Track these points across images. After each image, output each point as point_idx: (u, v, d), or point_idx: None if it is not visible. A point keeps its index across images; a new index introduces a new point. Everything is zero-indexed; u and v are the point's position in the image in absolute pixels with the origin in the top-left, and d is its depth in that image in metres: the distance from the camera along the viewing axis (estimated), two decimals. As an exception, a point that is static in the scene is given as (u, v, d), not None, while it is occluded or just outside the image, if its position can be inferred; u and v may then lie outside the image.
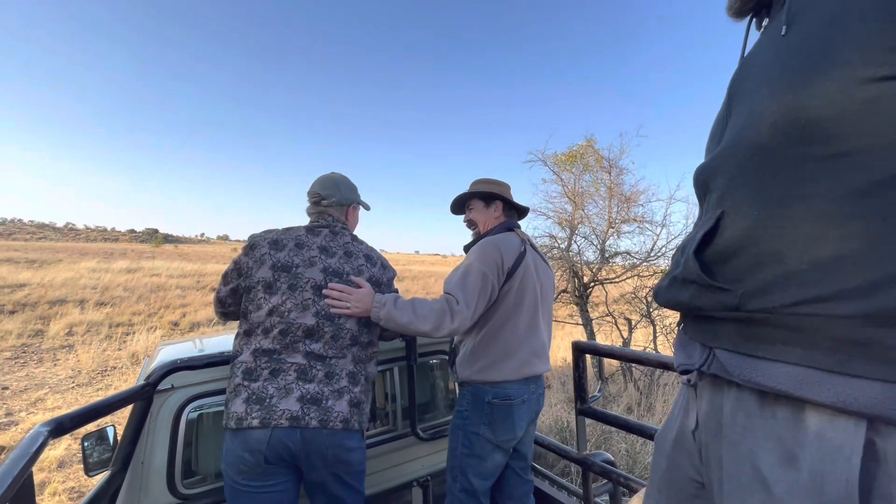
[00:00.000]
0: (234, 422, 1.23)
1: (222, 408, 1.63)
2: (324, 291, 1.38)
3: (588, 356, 1.88)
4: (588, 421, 1.85)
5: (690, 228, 0.62)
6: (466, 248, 1.76)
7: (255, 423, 1.22)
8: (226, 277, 1.45)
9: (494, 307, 1.59)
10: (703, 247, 0.62)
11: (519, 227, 1.80)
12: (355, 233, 1.63)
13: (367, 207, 1.72)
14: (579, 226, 7.51)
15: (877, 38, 0.46)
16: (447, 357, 2.18)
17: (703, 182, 0.68)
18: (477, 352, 1.61)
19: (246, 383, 1.28)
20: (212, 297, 13.77)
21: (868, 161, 0.47)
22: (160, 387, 1.39)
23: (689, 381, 0.69)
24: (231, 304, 1.46)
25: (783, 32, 0.57)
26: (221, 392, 1.54)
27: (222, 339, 1.89)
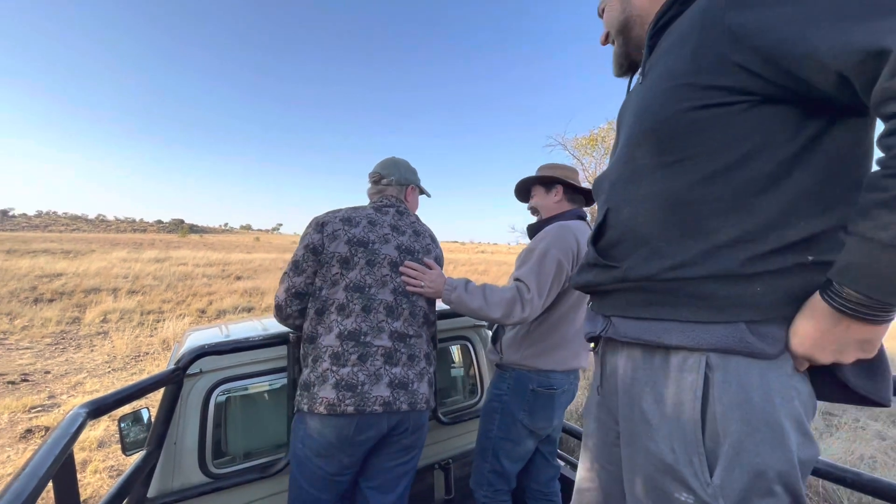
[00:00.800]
0: (324, 407, 1.23)
1: (249, 392, 1.68)
2: (401, 269, 1.40)
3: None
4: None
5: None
6: (531, 230, 1.70)
7: (350, 409, 1.23)
8: (297, 266, 1.37)
9: (560, 296, 1.54)
10: (598, 238, 0.83)
11: (586, 215, 1.74)
12: None
13: (427, 194, 1.71)
14: (600, 210, 7.35)
15: (695, 81, 0.65)
16: (467, 341, 2.18)
17: (596, 189, 0.90)
18: (530, 337, 1.57)
19: (335, 368, 1.27)
20: (237, 285, 14.17)
21: (693, 164, 0.66)
22: (189, 371, 1.43)
23: (593, 348, 0.90)
24: (299, 305, 1.39)
25: (640, 81, 0.82)
26: (248, 376, 1.58)
27: (248, 325, 1.94)
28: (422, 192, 1.68)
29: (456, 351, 2.28)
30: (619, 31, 0.91)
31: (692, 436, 0.64)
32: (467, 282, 1.51)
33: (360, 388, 1.26)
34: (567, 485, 1.89)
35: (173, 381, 1.34)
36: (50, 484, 0.79)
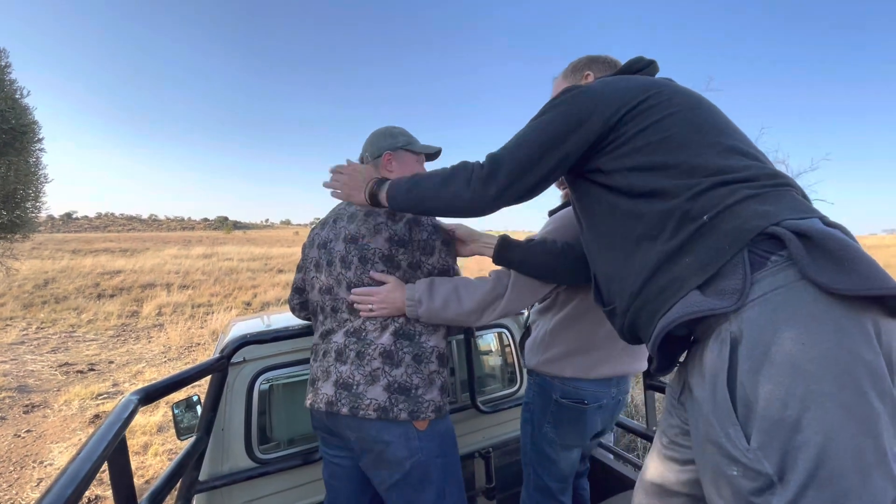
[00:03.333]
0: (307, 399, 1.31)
1: (291, 380, 1.72)
2: (349, 298, 1.22)
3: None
4: (657, 395, 1.75)
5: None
6: (553, 213, 1.43)
7: (309, 402, 1.26)
8: (298, 265, 1.50)
9: (579, 289, 1.29)
10: (598, 297, 0.97)
11: None
12: None
13: (419, 152, 1.40)
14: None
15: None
16: (504, 328, 2.14)
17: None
18: (549, 338, 1.34)
19: (313, 364, 1.32)
20: (280, 277, 14.68)
21: (590, 216, 0.97)
22: (233, 360, 1.47)
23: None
24: (299, 299, 1.51)
25: None
26: (289, 365, 1.62)
27: (288, 315, 1.98)
28: (413, 152, 1.38)
29: (493, 339, 2.24)
30: None
31: (724, 406, 0.65)
32: (432, 283, 1.20)
33: (316, 383, 1.26)
34: (608, 474, 1.82)
35: (218, 369, 1.38)
36: (106, 465, 0.83)
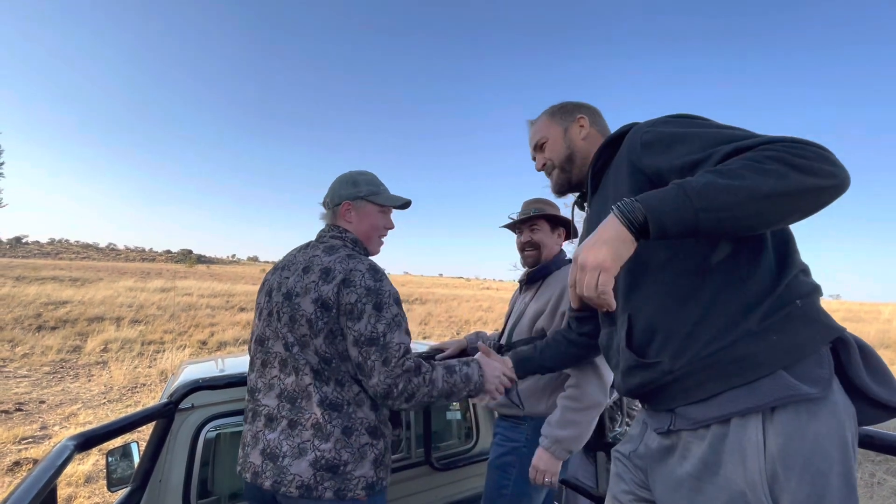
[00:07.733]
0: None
1: (240, 428, 1.66)
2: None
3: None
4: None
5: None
6: (531, 278, 1.66)
7: (239, 468, 1.17)
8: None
9: None
10: (630, 341, 0.90)
11: None
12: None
13: (382, 204, 1.32)
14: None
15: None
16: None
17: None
18: (553, 384, 1.50)
19: (244, 423, 1.23)
20: (241, 316, 14.06)
21: (682, 260, 0.83)
22: (181, 405, 1.43)
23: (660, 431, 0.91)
24: None
25: (591, 211, 1.06)
26: (239, 412, 1.57)
27: (243, 360, 1.94)
28: (375, 203, 1.31)
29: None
30: (563, 163, 1.14)
31: (759, 479, 0.70)
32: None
33: (245, 448, 1.16)
34: None
35: (164, 415, 1.34)
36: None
